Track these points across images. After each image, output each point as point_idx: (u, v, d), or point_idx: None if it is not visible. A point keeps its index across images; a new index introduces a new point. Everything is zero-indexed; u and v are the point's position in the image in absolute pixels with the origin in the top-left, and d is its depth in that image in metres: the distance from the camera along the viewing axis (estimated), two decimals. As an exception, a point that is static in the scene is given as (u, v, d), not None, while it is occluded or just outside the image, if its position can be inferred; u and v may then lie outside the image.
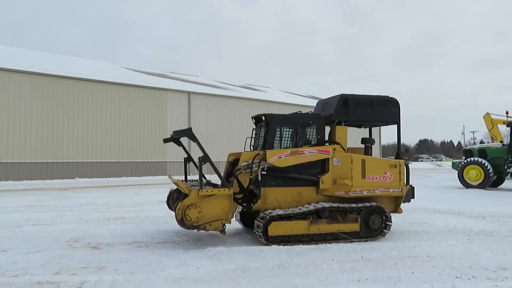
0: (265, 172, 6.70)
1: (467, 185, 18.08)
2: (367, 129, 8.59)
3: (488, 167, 17.57)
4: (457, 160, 23.80)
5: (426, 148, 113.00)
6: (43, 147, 24.39)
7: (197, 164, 6.47)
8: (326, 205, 6.73)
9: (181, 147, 7.76)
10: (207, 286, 4.53)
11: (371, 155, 7.62)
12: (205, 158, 6.30)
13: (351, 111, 7.32)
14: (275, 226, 6.46)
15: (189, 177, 8.44)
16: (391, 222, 7.11)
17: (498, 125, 20.28)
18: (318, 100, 8.56)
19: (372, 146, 7.78)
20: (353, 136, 9.14)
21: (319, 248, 6.32)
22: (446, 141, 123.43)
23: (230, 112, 33.30)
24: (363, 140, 7.74)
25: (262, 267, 5.31)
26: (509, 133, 17.86)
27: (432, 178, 26.54)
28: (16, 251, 6.20)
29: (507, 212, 10.39)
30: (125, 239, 7.06)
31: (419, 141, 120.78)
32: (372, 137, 8.22)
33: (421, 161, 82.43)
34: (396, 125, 7.74)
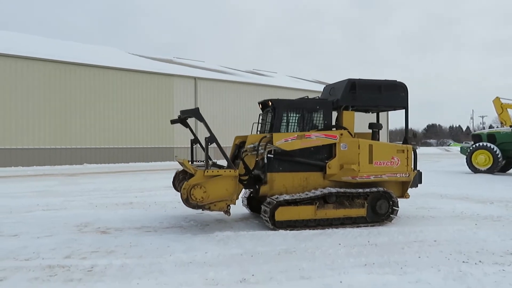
0: (271, 156, 6.70)
1: (475, 170, 17.96)
2: (375, 114, 8.52)
3: (497, 152, 17.41)
4: (466, 145, 23.61)
5: (434, 133, 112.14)
6: (52, 133, 24.58)
7: (204, 145, 6.48)
8: (333, 190, 6.74)
9: (188, 129, 7.77)
10: (214, 270, 4.58)
11: (378, 140, 7.58)
12: (211, 139, 6.31)
13: (358, 96, 7.26)
14: (282, 211, 6.49)
15: (195, 161, 8.47)
16: (398, 207, 7.11)
17: (508, 109, 20.00)
18: (325, 85, 8.49)
19: (380, 131, 7.73)
20: (361, 121, 9.08)
21: (325, 233, 6.36)
22: (454, 126, 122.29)
23: (237, 98, 33.19)
24: (371, 125, 7.68)
25: (269, 252, 5.36)
26: (519, 118, 17.64)
27: (440, 163, 26.40)
28: (27, 236, 6.30)
29: (516, 197, 10.32)
30: (133, 224, 7.14)
31: (427, 126, 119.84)
32: (380, 122, 8.17)
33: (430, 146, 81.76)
34: (404, 110, 7.66)
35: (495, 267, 4.75)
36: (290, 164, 6.89)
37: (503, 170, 18.57)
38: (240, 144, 7.32)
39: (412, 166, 7.35)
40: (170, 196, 10.33)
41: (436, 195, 10.69)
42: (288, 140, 6.71)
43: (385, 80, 7.54)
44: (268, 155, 6.67)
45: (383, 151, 7.13)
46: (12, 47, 24.48)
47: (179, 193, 6.41)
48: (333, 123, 7.37)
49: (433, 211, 8.38)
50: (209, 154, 6.63)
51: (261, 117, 7.85)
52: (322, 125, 7.16)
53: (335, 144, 6.98)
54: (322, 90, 8.52)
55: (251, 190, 7.57)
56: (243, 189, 7.74)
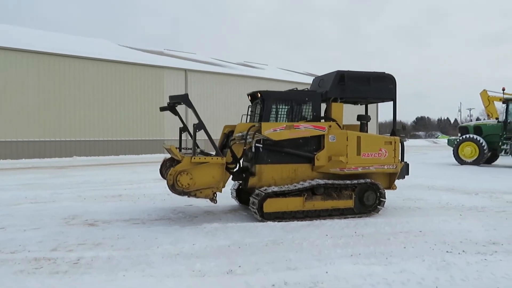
0: (260, 145, 6.71)
1: (461, 161, 18.19)
2: (364, 106, 8.56)
3: (483, 144, 17.63)
4: (453, 137, 23.87)
5: (423, 125, 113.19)
6: (41, 126, 24.27)
7: (192, 133, 6.47)
8: (321, 182, 6.78)
9: (178, 121, 7.73)
10: (202, 262, 4.60)
11: (367, 132, 7.63)
12: (199, 125, 6.30)
13: (347, 88, 7.28)
14: (270, 203, 6.53)
15: (183, 149, 8.41)
16: (385, 198, 7.19)
17: (495, 102, 20.24)
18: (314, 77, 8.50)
19: (368, 123, 7.78)
20: (350, 113, 9.12)
21: (313, 224, 6.41)
22: (443, 118, 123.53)
23: (227, 90, 33.05)
24: (359, 117, 7.72)
25: (256, 243, 5.39)
26: (504, 110, 17.86)
27: (427, 155, 26.67)
28: (14, 228, 6.26)
29: (500, 188, 10.50)
30: (121, 216, 7.13)
31: (416, 118, 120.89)
32: (369, 114, 8.20)
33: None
34: (392, 102, 7.71)
35: (478, 256, 4.84)
36: (278, 156, 6.92)
37: (488, 161, 18.83)
38: (228, 133, 7.32)
39: (400, 158, 7.42)
40: (160, 188, 10.31)
41: (422, 186, 10.82)
42: (276, 130, 6.73)
43: (374, 72, 7.57)
44: (257, 144, 6.68)
45: (371, 143, 7.19)
46: (1, 39, 24.03)
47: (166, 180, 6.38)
48: (322, 115, 7.40)
49: (419, 202, 8.48)
50: (200, 146, 6.60)
51: (250, 109, 7.84)
52: (311, 116, 7.18)
53: (323, 135, 7.01)
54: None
55: (240, 182, 7.59)
56: (232, 181, 7.77)
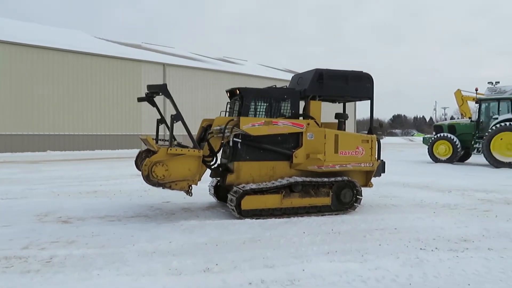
0: (238, 140, 6.68)
1: (436, 159, 18.63)
2: (342, 104, 8.64)
3: (457, 142, 18.11)
4: (428, 136, 24.42)
5: (399, 123, 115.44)
6: (13, 119, 23.54)
7: (170, 124, 6.38)
8: (299, 179, 6.82)
9: (155, 114, 7.61)
10: (178, 260, 4.55)
11: (344, 130, 7.71)
12: (177, 116, 6.22)
13: (325, 86, 7.32)
14: (248, 200, 6.52)
15: (160, 141, 8.29)
16: (361, 196, 7.29)
17: (468, 101, 20.79)
18: (294, 74, 8.52)
19: (346, 121, 7.86)
20: (328, 111, 9.19)
21: (291, 222, 6.44)
22: (418, 117, 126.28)
23: (206, 85, 32.82)
24: (337, 115, 7.79)
25: (234, 240, 5.38)
26: (477, 110, 18.37)
27: (403, 153, 27.21)
28: (-17, 226, 6.05)
29: (472, 186, 10.81)
30: (97, 213, 6.98)
31: (393, 116, 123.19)
32: (347, 111, 8.30)
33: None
34: (369, 101, 7.80)
35: (450, 253, 4.96)
36: (257, 153, 6.91)
37: (461, 160, 19.37)
38: (206, 127, 7.25)
39: (376, 156, 7.54)
40: (136, 184, 10.16)
41: (398, 184, 11.03)
42: (255, 125, 6.73)
43: (352, 70, 7.64)
44: (235, 138, 6.66)
45: (348, 141, 7.27)
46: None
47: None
48: (301, 112, 7.43)
49: (395, 199, 8.65)
50: (178, 140, 6.51)
51: (228, 106, 7.80)
52: (290, 114, 7.20)
53: (301, 133, 7.05)
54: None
55: (218, 179, 7.56)
56: (210, 178, 7.72)
